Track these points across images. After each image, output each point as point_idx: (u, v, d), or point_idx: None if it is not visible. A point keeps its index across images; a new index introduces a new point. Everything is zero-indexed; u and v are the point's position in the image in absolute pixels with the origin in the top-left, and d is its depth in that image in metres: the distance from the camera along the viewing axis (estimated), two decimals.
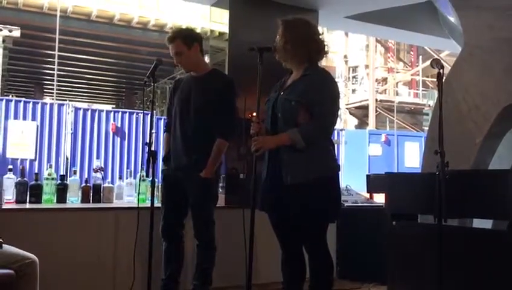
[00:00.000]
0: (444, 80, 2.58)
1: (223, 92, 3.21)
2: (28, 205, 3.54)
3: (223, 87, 3.25)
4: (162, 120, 8.59)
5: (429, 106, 18.21)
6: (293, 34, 2.66)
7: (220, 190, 4.19)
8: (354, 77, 20.66)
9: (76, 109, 9.89)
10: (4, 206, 3.34)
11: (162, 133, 3.47)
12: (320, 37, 2.75)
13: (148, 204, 3.26)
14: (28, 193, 3.59)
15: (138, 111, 10.67)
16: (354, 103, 20.01)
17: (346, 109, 19.78)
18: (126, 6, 12.00)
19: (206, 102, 3.17)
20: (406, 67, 21.29)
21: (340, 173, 2.77)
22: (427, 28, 5.59)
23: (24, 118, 9.34)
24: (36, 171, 8.25)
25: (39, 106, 9.58)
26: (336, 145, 3.33)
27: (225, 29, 4.43)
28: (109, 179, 7.34)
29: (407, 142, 14.43)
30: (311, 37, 2.70)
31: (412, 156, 13.97)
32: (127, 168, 9.31)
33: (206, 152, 3.16)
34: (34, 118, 9.41)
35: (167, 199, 3.24)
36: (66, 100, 11.83)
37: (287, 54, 2.67)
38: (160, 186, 3.49)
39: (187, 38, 3.23)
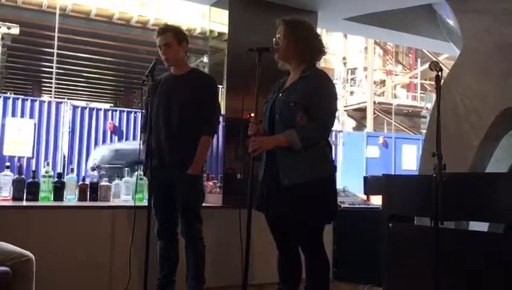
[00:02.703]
0: (442, 83, 2.58)
1: (204, 90, 3.24)
2: (24, 203, 3.54)
3: (204, 84, 3.29)
4: None
5: (427, 108, 18.22)
6: (296, 34, 2.67)
7: (217, 190, 4.20)
8: (352, 79, 20.67)
9: (75, 107, 9.88)
10: (1, 204, 3.34)
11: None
12: (319, 37, 2.78)
13: (145, 203, 3.26)
14: (25, 190, 3.59)
15: (136, 110, 10.66)
16: (352, 104, 20.02)
17: (344, 110, 19.79)
18: (125, 5, 11.97)
19: (188, 100, 3.19)
20: (405, 69, 21.31)
21: (336, 174, 2.77)
22: (426, 31, 5.60)
23: (22, 115, 9.32)
24: (33, 168, 8.23)
25: (37, 104, 9.56)
26: (333, 147, 3.33)
27: (224, 29, 4.42)
28: (106, 178, 7.33)
29: (404, 144, 14.44)
30: (313, 37, 2.72)
31: (409, 159, 13.99)
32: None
33: (190, 149, 3.17)
34: (31, 116, 9.38)
35: (157, 200, 3.20)
36: (64, 98, 11.81)
37: (289, 53, 2.68)
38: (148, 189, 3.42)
39: (179, 33, 3.28)
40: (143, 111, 3.24)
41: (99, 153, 8.42)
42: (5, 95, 10.68)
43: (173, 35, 3.22)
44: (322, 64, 3.07)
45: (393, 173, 12.34)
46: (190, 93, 3.20)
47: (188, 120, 3.18)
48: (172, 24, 3.43)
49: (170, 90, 3.24)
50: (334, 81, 2.91)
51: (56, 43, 10.68)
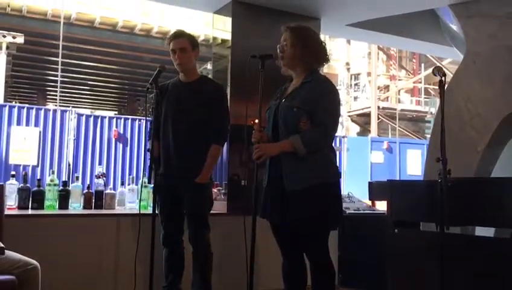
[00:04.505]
0: (446, 88, 2.58)
1: (213, 97, 3.24)
2: (30, 211, 3.55)
3: (214, 92, 3.28)
4: None
5: (431, 113, 18.20)
6: (303, 41, 2.67)
7: (222, 197, 4.19)
8: (356, 84, 20.66)
9: (79, 115, 9.92)
10: (6, 212, 3.34)
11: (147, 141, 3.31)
12: (324, 44, 2.79)
13: (149, 210, 3.26)
14: (30, 199, 3.60)
15: (140, 118, 10.70)
16: (356, 110, 20.01)
17: (348, 116, 19.78)
18: (129, 13, 12.04)
19: (197, 107, 3.18)
20: (408, 74, 21.29)
21: (341, 179, 2.77)
22: (429, 36, 5.60)
23: (27, 124, 9.36)
24: (38, 177, 8.26)
25: (42, 112, 9.60)
26: (337, 152, 3.33)
27: (228, 36, 4.43)
28: (111, 186, 7.35)
29: (409, 149, 14.41)
30: (318, 44, 2.73)
31: (414, 164, 13.96)
32: (129, 174, 9.31)
33: (198, 157, 3.16)
34: (36, 124, 9.43)
35: (163, 207, 3.21)
36: (68, 106, 11.85)
37: (295, 60, 2.68)
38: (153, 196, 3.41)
39: (193, 40, 3.30)
40: (147, 118, 3.25)
41: None
42: (10, 103, 10.74)
43: (188, 40, 3.23)
44: (325, 70, 3.09)
45: (398, 178, 12.31)
46: (199, 101, 3.19)
47: (197, 127, 3.17)
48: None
49: (179, 97, 3.24)
50: (337, 87, 2.91)
51: (61, 51, 10.71)
